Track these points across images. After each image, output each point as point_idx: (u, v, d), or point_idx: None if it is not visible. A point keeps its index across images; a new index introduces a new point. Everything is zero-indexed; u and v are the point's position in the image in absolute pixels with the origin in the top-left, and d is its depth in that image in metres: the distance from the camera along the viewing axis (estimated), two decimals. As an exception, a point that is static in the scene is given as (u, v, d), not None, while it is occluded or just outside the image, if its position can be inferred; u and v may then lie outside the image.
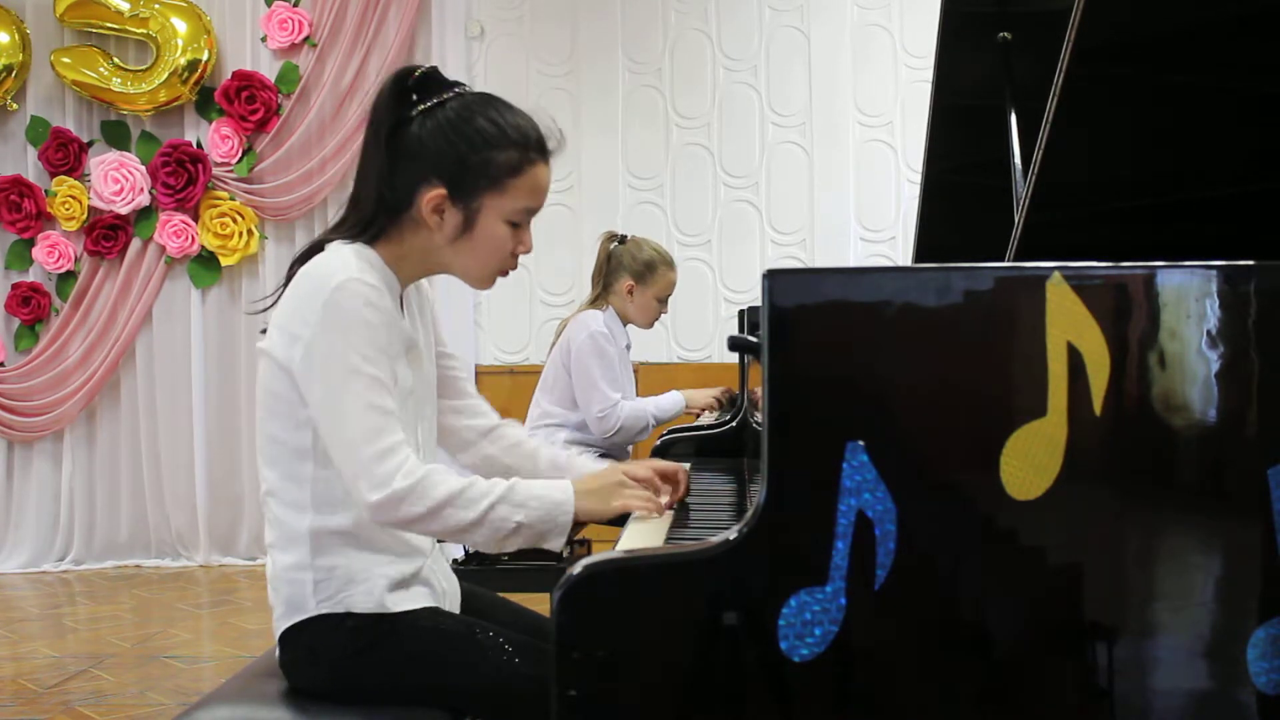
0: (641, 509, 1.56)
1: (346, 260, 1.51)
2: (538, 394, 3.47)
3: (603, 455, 3.38)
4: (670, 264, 3.46)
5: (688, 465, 2.42)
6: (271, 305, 1.57)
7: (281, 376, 1.51)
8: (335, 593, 1.52)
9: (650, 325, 3.53)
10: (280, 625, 1.55)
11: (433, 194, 1.54)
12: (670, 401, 3.39)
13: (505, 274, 1.64)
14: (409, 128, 1.55)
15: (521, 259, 1.64)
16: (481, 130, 1.54)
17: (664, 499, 1.67)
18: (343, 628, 1.51)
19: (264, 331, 1.56)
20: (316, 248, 1.58)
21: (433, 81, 1.57)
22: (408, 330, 1.59)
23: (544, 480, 1.58)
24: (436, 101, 1.56)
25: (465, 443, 1.80)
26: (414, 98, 1.56)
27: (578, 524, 1.50)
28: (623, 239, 3.48)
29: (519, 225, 1.59)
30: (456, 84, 1.59)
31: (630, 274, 3.41)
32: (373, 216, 1.57)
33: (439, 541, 1.66)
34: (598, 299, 3.47)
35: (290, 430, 1.52)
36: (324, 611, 1.52)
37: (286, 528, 1.53)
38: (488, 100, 1.59)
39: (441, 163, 1.54)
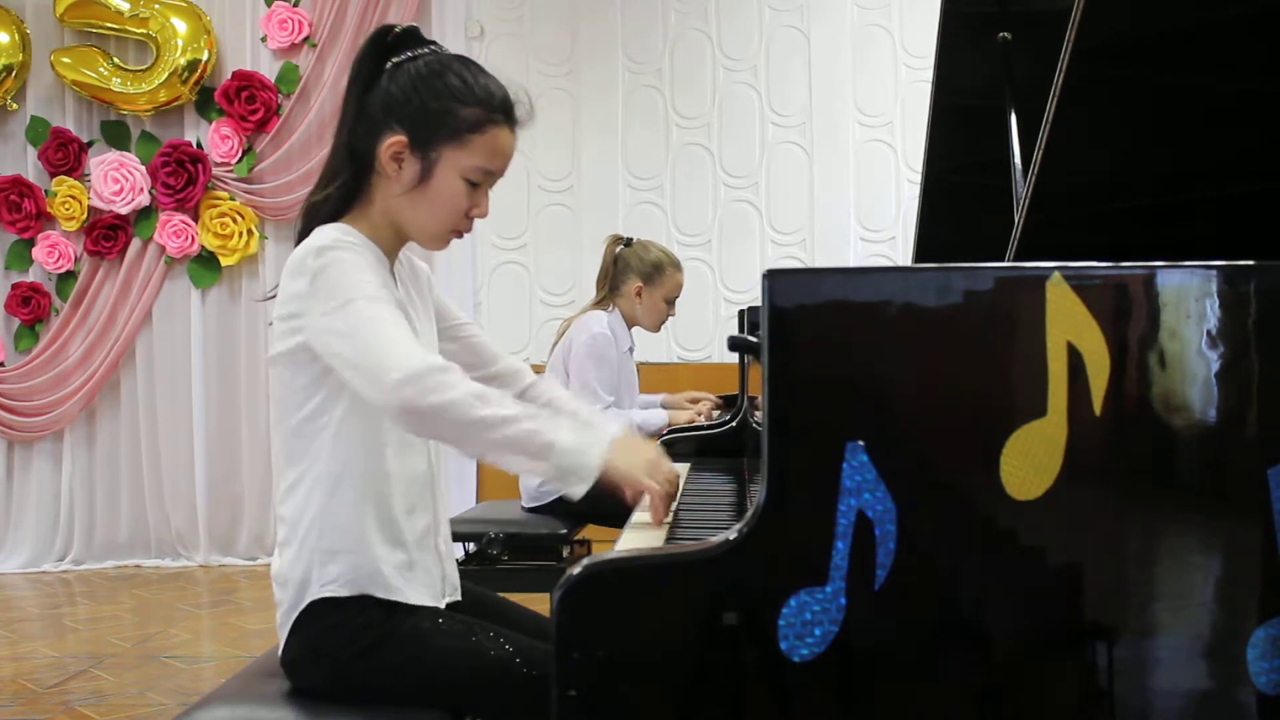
0: (656, 496, 1.51)
1: (326, 233, 1.54)
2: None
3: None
4: (677, 265, 3.48)
5: (687, 465, 2.42)
6: (272, 296, 1.58)
7: (290, 371, 1.52)
8: (338, 585, 1.52)
9: (658, 328, 3.54)
10: (284, 623, 1.55)
11: (393, 140, 1.56)
12: (655, 418, 3.44)
13: (460, 235, 1.64)
14: (380, 81, 1.57)
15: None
16: (449, 85, 1.56)
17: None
18: (345, 628, 1.51)
19: (271, 325, 1.57)
20: (306, 228, 1.60)
21: (409, 38, 1.59)
22: (402, 299, 1.60)
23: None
24: (410, 56, 1.58)
25: None
26: (389, 54, 1.58)
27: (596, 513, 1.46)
28: (628, 242, 3.48)
29: (477, 185, 1.59)
30: (432, 43, 1.61)
31: (638, 275, 3.42)
32: (342, 167, 1.59)
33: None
34: (602, 301, 3.47)
35: (307, 421, 1.53)
36: (326, 598, 1.52)
37: (297, 523, 1.54)
38: (462, 61, 1.60)
39: (405, 111, 1.56)
